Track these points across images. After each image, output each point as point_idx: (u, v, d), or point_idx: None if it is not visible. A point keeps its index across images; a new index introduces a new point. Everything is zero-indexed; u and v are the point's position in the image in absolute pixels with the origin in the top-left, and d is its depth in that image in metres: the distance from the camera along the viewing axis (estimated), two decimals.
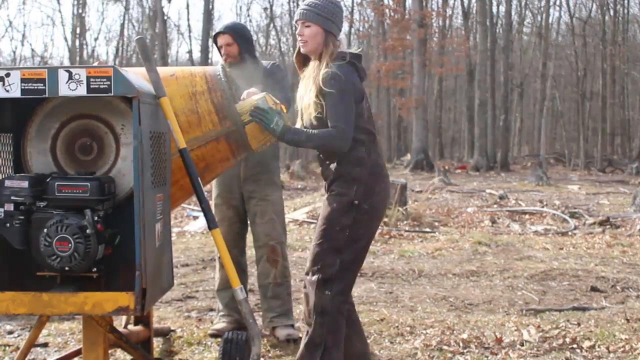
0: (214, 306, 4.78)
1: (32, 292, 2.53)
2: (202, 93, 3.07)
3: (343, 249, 3.06)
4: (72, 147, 2.79)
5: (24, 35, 50.74)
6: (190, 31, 58.89)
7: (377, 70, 28.54)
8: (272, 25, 36.59)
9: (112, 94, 2.52)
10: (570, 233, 9.01)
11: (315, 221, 9.62)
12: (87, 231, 2.52)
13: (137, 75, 2.79)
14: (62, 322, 4.34)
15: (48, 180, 2.61)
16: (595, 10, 33.78)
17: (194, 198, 3.37)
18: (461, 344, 3.92)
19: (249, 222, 4.23)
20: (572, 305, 5.01)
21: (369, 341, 3.98)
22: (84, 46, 34.11)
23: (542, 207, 11.58)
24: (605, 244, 7.82)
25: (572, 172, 25.65)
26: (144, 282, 2.50)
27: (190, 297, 5.30)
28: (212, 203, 4.35)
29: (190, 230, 9.06)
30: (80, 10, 32.31)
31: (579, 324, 4.34)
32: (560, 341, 3.95)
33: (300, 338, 4.00)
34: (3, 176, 2.73)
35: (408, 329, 4.23)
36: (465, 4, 33.36)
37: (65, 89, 2.51)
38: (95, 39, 59.38)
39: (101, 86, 2.50)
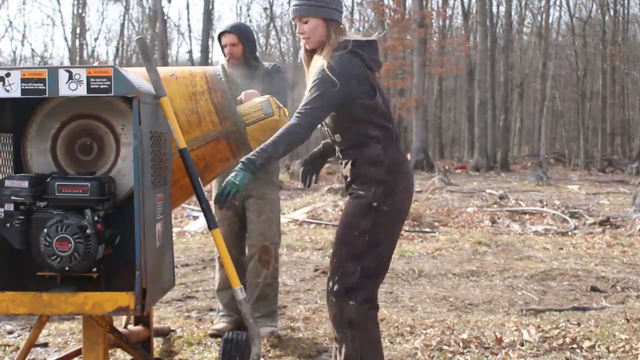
0: (214, 306, 4.78)
1: (32, 292, 2.53)
2: (202, 93, 3.07)
3: (363, 255, 2.86)
4: (72, 147, 2.79)
5: (24, 35, 50.77)
6: (190, 31, 58.99)
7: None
8: (272, 25, 36.60)
9: (112, 94, 2.52)
10: (570, 233, 9.01)
11: (315, 221, 9.62)
12: (87, 231, 2.52)
13: (137, 75, 2.79)
14: (62, 322, 4.34)
15: (48, 180, 2.61)
16: (595, 10, 33.83)
17: (194, 198, 3.36)
18: (461, 344, 3.92)
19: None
20: (572, 305, 5.01)
21: None
22: (84, 46, 34.14)
23: (542, 207, 11.58)
24: (605, 244, 7.83)
25: (572, 172, 25.65)
26: (144, 282, 2.50)
27: (190, 297, 5.30)
28: (212, 203, 4.35)
29: (190, 230, 9.06)
30: (80, 10, 32.33)
31: (579, 324, 4.34)
32: (560, 341, 3.95)
33: (276, 335, 4.01)
34: (3, 176, 2.73)
35: (408, 329, 4.23)
36: (465, 4, 33.39)
37: (65, 89, 2.51)
38: (95, 39, 59.41)
39: (101, 86, 2.50)
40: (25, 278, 2.70)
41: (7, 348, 3.87)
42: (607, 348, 3.84)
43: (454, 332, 4.17)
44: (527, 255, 7.13)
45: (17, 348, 3.77)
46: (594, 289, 5.52)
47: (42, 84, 2.51)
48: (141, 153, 2.51)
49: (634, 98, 35.95)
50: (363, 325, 2.85)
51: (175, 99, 3.00)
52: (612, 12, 32.41)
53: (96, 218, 2.56)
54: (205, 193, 2.95)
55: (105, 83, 2.50)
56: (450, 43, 32.05)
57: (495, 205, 12.10)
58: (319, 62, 2.85)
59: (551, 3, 31.64)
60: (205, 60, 27.03)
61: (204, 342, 3.98)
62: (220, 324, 4.16)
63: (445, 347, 3.87)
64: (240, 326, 4.10)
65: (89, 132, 2.79)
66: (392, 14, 29.12)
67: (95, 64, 2.67)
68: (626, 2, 33.31)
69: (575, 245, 7.80)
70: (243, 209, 4.19)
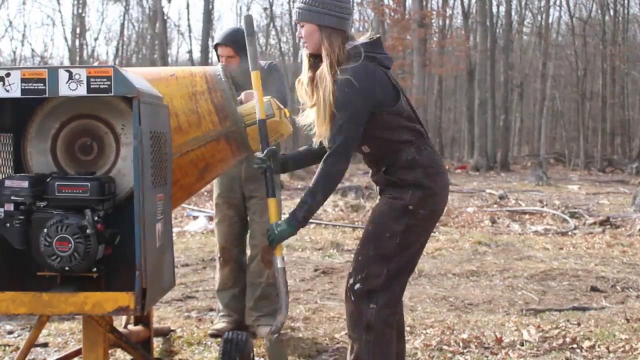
0: (214, 306, 4.78)
1: (32, 292, 2.53)
2: (202, 93, 3.07)
3: (392, 258, 2.79)
4: (72, 147, 2.79)
5: (24, 35, 50.67)
6: (190, 31, 58.79)
7: None
8: (272, 25, 36.58)
9: (112, 94, 2.51)
10: (570, 233, 9.01)
11: (315, 221, 9.62)
12: (87, 231, 2.52)
13: (137, 75, 2.79)
14: (62, 322, 4.34)
15: (48, 180, 2.61)
16: (595, 10, 33.80)
17: (194, 198, 3.36)
18: (461, 344, 3.92)
19: (248, 220, 4.23)
20: (572, 305, 5.01)
21: None
22: (84, 46, 34.11)
23: (542, 207, 11.58)
24: (605, 244, 7.83)
25: (572, 172, 25.64)
26: (144, 282, 2.50)
27: (190, 297, 5.30)
28: (212, 203, 4.35)
29: (190, 230, 9.06)
30: (80, 10, 32.31)
31: (579, 324, 4.34)
32: (560, 341, 3.95)
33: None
34: (3, 176, 2.73)
35: (408, 328, 4.23)
36: (465, 4, 33.36)
37: (65, 89, 2.51)
38: (95, 39, 59.39)
39: (101, 86, 2.50)
40: (25, 278, 2.70)
41: (7, 348, 3.87)
42: (607, 348, 3.84)
43: (454, 332, 4.17)
44: (527, 255, 7.13)
45: (17, 348, 3.77)
46: (594, 289, 5.52)
47: (42, 84, 2.51)
48: (141, 153, 2.51)
49: (634, 98, 35.93)
50: (380, 330, 2.79)
51: (175, 99, 3.00)
52: (612, 12, 32.41)
53: (96, 218, 2.56)
54: (205, 193, 2.95)
55: (105, 83, 2.49)
56: (450, 43, 32.04)
57: (495, 205, 12.10)
58: (329, 81, 2.74)
59: (551, 3, 31.64)
60: (205, 60, 27.02)
61: (204, 342, 3.99)
62: (220, 324, 4.16)
63: (445, 347, 3.88)
64: (240, 326, 4.10)
65: (89, 132, 2.79)
66: (392, 14, 29.12)
67: (95, 64, 2.67)
68: (626, 2, 33.31)
69: (575, 245, 7.80)
70: (245, 209, 4.19)
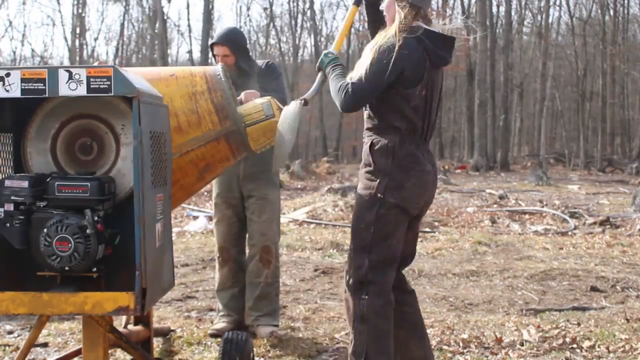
0: (214, 306, 4.78)
1: (32, 292, 2.53)
2: (202, 93, 3.07)
3: (371, 248, 2.88)
4: (72, 147, 2.79)
5: (24, 35, 50.66)
6: (190, 31, 58.67)
7: None
8: (272, 25, 36.57)
9: (112, 94, 2.51)
10: (570, 233, 9.01)
11: (315, 221, 9.62)
12: (87, 231, 2.52)
13: (137, 75, 2.79)
14: (62, 322, 4.34)
15: (48, 180, 2.61)
16: (595, 10, 33.78)
17: (194, 198, 3.36)
18: (461, 344, 3.92)
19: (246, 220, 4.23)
20: (572, 305, 5.01)
21: None
22: (84, 46, 34.12)
23: (542, 207, 11.58)
24: (605, 244, 7.83)
25: (572, 172, 25.65)
26: (144, 282, 2.50)
27: (190, 297, 5.31)
28: (212, 203, 4.36)
29: (190, 230, 9.06)
30: (80, 10, 32.31)
31: (579, 324, 4.34)
32: (560, 341, 3.95)
33: (276, 335, 4.02)
34: (3, 176, 2.73)
35: None
36: (465, 4, 33.36)
37: (65, 89, 2.51)
38: (95, 39, 59.32)
39: (101, 86, 2.50)
40: (25, 278, 2.70)
41: (7, 348, 3.87)
42: (607, 348, 3.84)
43: (454, 332, 4.18)
44: (527, 255, 7.13)
45: (17, 348, 3.77)
46: (594, 289, 5.52)
47: (42, 84, 2.51)
48: (141, 153, 2.51)
49: (634, 98, 35.93)
50: (372, 321, 2.86)
51: (175, 99, 3.00)
52: (612, 12, 32.41)
53: (96, 218, 2.56)
54: (205, 193, 2.95)
55: (105, 83, 2.49)
56: None
57: (495, 205, 12.10)
58: (382, 37, 2.91)
59: (551, 3, 31.65)
60: (205, 60, 27.00)
61: (204, 342, 3.99)
62: (220, 324, 4.16)
63: (445, 347, 3.88)
64: (240, 326, 4.10)
65: (89, 132, 2.79)
66: None
67: (95, 64, 2.67)
68: (626, 2, 33.31)
69: (575, 245, 7.80)
70: (243, 209, 4.19)
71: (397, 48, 2.83)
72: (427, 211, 3.19)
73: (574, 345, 3.90)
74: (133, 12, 41.14)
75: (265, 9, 35.86)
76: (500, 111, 28.92)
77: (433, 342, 3.93)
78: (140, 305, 2.50)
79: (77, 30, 32.71)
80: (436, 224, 9.67)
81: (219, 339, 3.71)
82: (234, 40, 4.12)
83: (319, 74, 3.16)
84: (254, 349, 3.34)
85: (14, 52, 35.56)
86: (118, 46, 36.01)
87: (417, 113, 2.92)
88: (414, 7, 2.93)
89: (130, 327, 3.49)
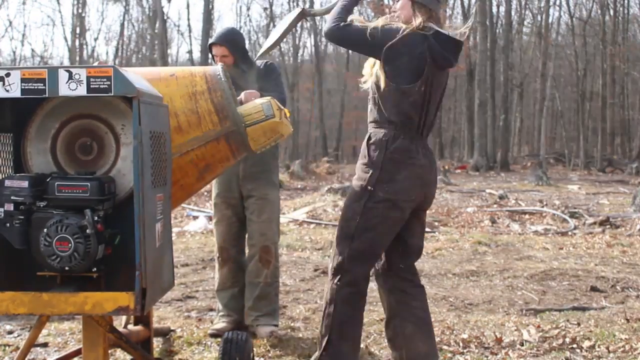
0: (214, 306, 4.78)
1: (32, 292, 2.53)
2: (202, 93, 3.07)
3: (353, 237, 2.97)
4: (72, 147, 2.79)
5: (24, 35, 50.79)
6: (190, 31, 58.73)
7: None
8: (272, 25, 36.55)
9: (112, 94, 2.51)
10: (570, 233, 9.01)
11: (315, 221, 9.62)
12: (87, 231, 2.52)
13: (137, 75, 2.79)
14: (62, 322, 4.34)
15: (48, 180, 2.61)
16: (595, 10, 33.80)
17: (194, 198, 3.37)
18: (461, 344, 3.92)
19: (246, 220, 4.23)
20: (572, 305, 5.01)
21: (368, 341, 4.00)
22: (84, 46, 34.14)
23: (542, 207, 11.58)
24: (605, 244, 7.83)
25: (572, 172, 25.65)
26: (144, 282, 2.50)
27: (190, 297, 5.31)
28: (212, 203, 4.36)
29: (190, 230, 9.07)
30: (80, 10, 32.32)
31: (579, 324, 4.34)
32: (560, 341, 3.95)
33: (275, 335, 4.03)
34: (3, 176, 2.73)
35: None
36: (465, 4, 33.38)
37: (65, 89, 2.51)
38: (95, 39, 59.42)
39: (101, 86, 2.50)
40: (25, 278, 2.70)
41: (7, 348, 3.87)
42: (607, 348, 3.84)
43: (454, 332, 4.18)
44: (527, 255, 7.13)
45: (17, 348, 3.77)
46: (594, 289, 5.52)
47: (42, 84, 2.51)
48: (141, 153, 2.51)
49: (634, 98, 35.93)
50: (338, 306, 2.96)
51: (175, 99, 3.00)
52: (612, 12, 32.41)
53: (96, 218, 2.56)
54: (205, 193, 2.96)
55: (105, 83, 2.49)
56: None
57: (495, 205, 12.10)
58: (397, 24, 2.99)
59: (551, 3, 31.65)
60: (205, 60, 27.00)
61: (204, 342, 3.99)
62: (220, 324, 4.16)
63: (445, 347, 3.88)
64: (240, 326, 4.10)
65: (89, 132, 2.79)
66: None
67: (95, 64, 2.67)
68: (626, 2, 33.32)
69: (575, 245, 7.80)
70: (243, 209, 4.19)
71: (400, 34, 2.91)
72: (430, 204, 3.23)
73: (574, 345, 3.90)
74: (133, 12, 41.17)
75: (265, 9, 35.89)
76: (500, 111, 28.92)
77: None
78: (140, 305, 2.50)
79: (77, 30, 32.73)
80: (436, 224, 9.67)
81: (219, 339, 3.71)
82: (232, 40, 4.13)
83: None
84: (254, 349, 3.34)
85: (14, 52, 35.63)
86: (118, 46, 36.04)
87: (414, 109, 2.98)
88: (427, 10, 3.00)
89: (130, 327, 3.49)
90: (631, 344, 3.90)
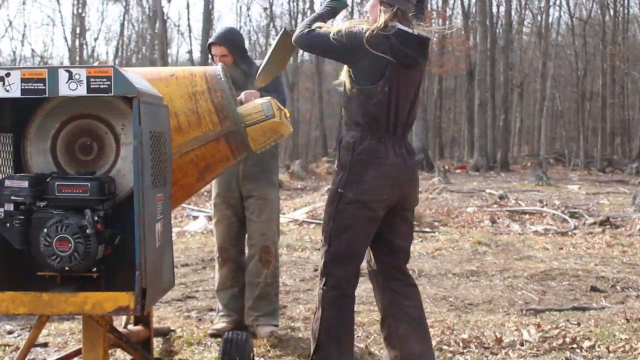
0: (214, 306, 4.78)
1: (32, 292, 2.53)
2: (202, 93, 3.07)
3: (330, 240, 3.01)
4: (72, 147, 2.79)
5: (24, 35, 50.81)
6: (190, 31, 58.69)
7: None
8: (272, 25, 36.56)
9: (112, 94, 2.51)
10: (570, 233, 9.01)
11: (315, 221, 9.62)
12: (87, 231, 2.52)
13: (137, 75, 2.79)
14: (62, 322, 4.34)
15: (48, 180, 2.61)
16: (595, 10, 33.78)
17: (194, 198, 3.37)
18: (461, 344, 3.92)
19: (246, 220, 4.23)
20: (572, 305, 5.01)
21: (369, 341, 4.00)
22: (84, 46, 34.12)
23: (542, 207, 11.57)
24: (605, 244, 7.83)
25: (572, 172, 25.64)
26: (144, 282, 2.50)
27: (190, 297, 5.31)
28: (211, 203, 4.36)
29: (190, 230, 9.06)
30: (80, 10, 32.32)
31: (579, 324, 4.34)
32: (560, 341, 3.95)
33: (275, 335, 4.03)
34: (3, 176, 2.73)
35: None
36: (465, 4, 33.36)
37: (65, 89, 2.51)
38: (95, 39, 59.38)
39: (101, 86, 2.50)
40: (25, 278, 2.70)
41: (7, 348, 3.87)
42: (607, 348, 3.84)
43: (454, 332, 4.18)
44: (527, 255, 7.13)
45: (17, 348, 3.77)
46: (594, 289, 5.52)
47: (42, 84, 2.51)
48: (141, 153, 2.51)
49: (634, 98, 35.93)
50: (326, 310, 2.99)
51: (175, 99, 3.00)
52: (612, 12, 32.40)
53: (96, 218, 2.56)
54: (205, 193, 2.96)
55: (105, 83, 2.49)
56: (450, 43, 32.03)
57: (495, 205, 12.09)
58: (353, 23, 3.03)
59: (551, 3, 31.64)
60: (205, 60, 27.00)
61: (204, 342, 3.99)
62: (220, 324, 4.16)
63: (445, 347, 3.88)
64: (240, 326, 4.10)
65: (89, 132, 2.79)
66: None
67: (95, 64, 2.67)
68: (626, 2, 33.30)
69: (575, 245, 7.80)
70: (243, 209, 4.19)
71: (363, 36, 2.93)
72: (413, 203, 3.17)
73: (574, 345, 3.90)
74: (133, 12, 41.16)
75: (265, 9, 35.87)
76: (500, 111, 28.92)
77: (433, 342, 3.91)
78: (140, 305, 2.50)
79: (77, 30, 32.72)
80: (436, 224, 9.67)
81: (219, 339, 3.71)
82: (231, 40, 4.13)
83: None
84: (254, 349, 3.34)
85: (14, 52, 35.62)
86: (118, 46, 36.02)
87: (380, 109, 2.97)
88: (393, 8, 3.00)
89: (130, 327, 3.49)
90: (631, 344, 3.90)
